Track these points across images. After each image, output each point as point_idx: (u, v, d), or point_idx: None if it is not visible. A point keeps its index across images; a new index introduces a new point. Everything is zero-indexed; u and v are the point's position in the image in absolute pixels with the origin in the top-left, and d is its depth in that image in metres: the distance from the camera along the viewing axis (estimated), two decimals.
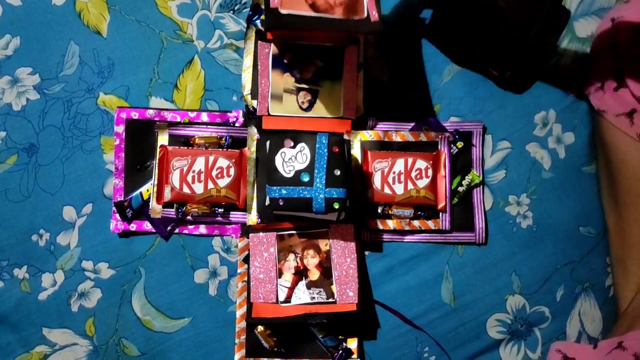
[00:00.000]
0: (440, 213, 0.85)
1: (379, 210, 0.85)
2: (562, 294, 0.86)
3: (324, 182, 0.75)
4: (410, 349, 0.84)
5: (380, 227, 0.85)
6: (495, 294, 0.86)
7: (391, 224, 0.85)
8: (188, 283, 0.84)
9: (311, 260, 0.83)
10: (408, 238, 0.86)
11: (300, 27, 0.73)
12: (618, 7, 0.86)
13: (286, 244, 0.83)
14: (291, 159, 0.76)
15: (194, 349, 0.83)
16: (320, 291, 0.82)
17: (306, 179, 0.75)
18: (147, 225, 0.84)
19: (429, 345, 0.85)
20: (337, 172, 0.75)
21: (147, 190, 0.83)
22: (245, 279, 0.84)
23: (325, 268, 0.82)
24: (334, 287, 0.82)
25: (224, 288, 0.84)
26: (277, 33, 0.82)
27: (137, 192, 0.83)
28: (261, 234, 0.83)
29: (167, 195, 0.82)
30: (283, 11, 0.71)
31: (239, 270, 0.84)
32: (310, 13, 0.71)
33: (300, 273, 0.83)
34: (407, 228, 0.85)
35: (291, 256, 0.83)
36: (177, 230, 0.84)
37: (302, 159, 0.76)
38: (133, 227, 0.83)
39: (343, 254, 0.82)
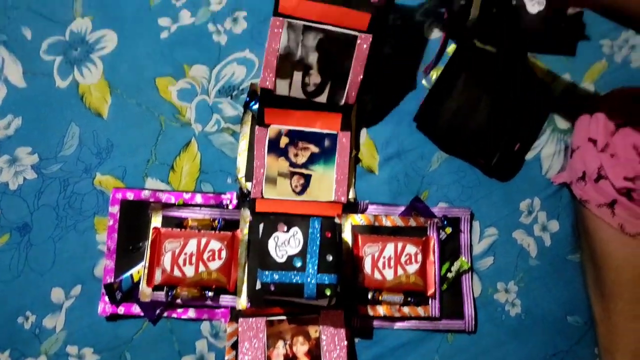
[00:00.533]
0: (430, 299, 0.86)
1: (369, 296, 0.85)
2: None
3: (316, 267, 0.76)
4: None
5: (371, 313, 0.85)
6: None
7: (381, 310, 0.85)
8: None
9: (300, 348, 0.82)
10: (398, 325, 0.86)
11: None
12: (594, 103, 0.90)
13: (275, 330, 0.82)
14: (284, 244, 0.77)
15: None
16: None
17: (298, 264, 0.76)
18: (136, 309, 0.83)
19: None
20: (329, 258, 0.76)
21: (138, 272, 0.83)
22: None
23: (315, 356, 0.82)
24: None
25: None
26: (272, 121, 0.86)
27: (128, 273, 0.83)
28: (251, 319, 0.82)
29: (158, 278, 0.82)
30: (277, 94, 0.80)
31: (227, 358, 0.83)
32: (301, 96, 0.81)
33: None
34: (397, 314, 0.85)
35: (280, 343, 0.82)
36: (165, 314, 0.83)
37: (294, 244, 0.77)
38: (121, 310, 0.83)
39: (333, 342, 0.82)
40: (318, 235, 0.77)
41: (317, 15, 0.80)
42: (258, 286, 0.81)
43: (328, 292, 0.75)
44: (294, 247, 0.77)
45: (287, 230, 0.78)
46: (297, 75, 0.83)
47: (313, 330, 0.83)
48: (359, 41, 0.81)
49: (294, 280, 0.75)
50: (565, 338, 0.87)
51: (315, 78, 0.83)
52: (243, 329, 0.82)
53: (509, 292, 0.88)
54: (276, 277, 0.76)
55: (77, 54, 0.92)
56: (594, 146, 0.86)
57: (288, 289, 0.76)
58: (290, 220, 0.79)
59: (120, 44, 0.93)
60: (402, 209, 0.89)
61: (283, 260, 0.77)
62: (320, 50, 0.82)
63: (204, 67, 0.93)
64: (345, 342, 0.82)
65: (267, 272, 0.76)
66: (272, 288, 0.76)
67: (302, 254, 0.77)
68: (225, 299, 0.84)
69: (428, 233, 0.88)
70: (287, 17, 0.80)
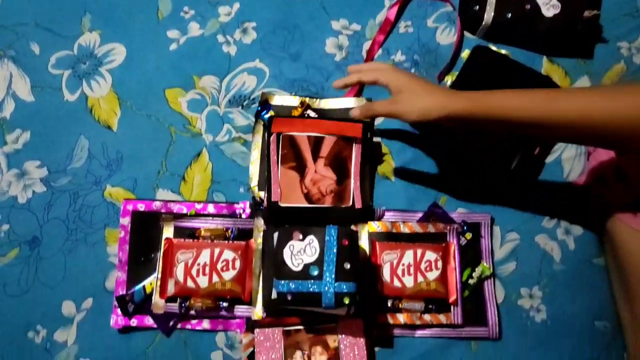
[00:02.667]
0: (452, 306, 0.83)
1: (389, 304, 0.82)
2: None
3: (333, 276, 0.73)
4: None
5: (391, 321, 0.82)
6: None
7: (401, 318, 0.82)
8: None
9: (319, 358, 0.79)
10: (419, 333, 0.83)
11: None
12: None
13: (293, 340, 0.80)
14: (300, 252, 0.75)
15: None
16: None
17: (315, 272, 0.74)
18: (149, 320, 0.81)
19: None
20: (347, 266, 0.74)
21: (150, 284, 0.81)
22: None
23: None
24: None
25: None
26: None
27: (140, 285, 0.81)
28: (267, 329, 0.80)
29: (171, 289, 0.79)
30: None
31: None
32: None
33: None
34: (418, 322, 0.82)
35: (298, 353, 0.79)
36: (179, 325, 0.81)
37: (310, 252, 0.75)
38: (134, 322, 0.80)
39: (352, 351, 0.79)
40: (335, 243, 0.75)
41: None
42: (274, 296, 0.78)
43: (347, 301, 0.73)
44: (310, 256, 0.75)
45: (303, 239, 0.76)
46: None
47: (332, 340, 0.80)
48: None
49: (312, 289, 0.73)
50: (593, 344, 0.84)
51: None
52: (259, 339, 0.79)
53: (533, 298, 0.85)
54: (293, 286, 0.73)
55: (86, 67, 0.91)
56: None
57: (305, 298, 0.73)
58: (305, 228, 0.77)
59: (128, 56, 0.92)
60: (420, 215, 0.87)
61: (299, 269, 0.74)
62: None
63: (214, 77, 0.91)
64: (365, 352, 0.79)
65: (283, 282, 0.74)
66: (289, 297, 0.73)
67: (319, 262, 0.74)
68: (240, 310, 0.82)
69: (448, 239, 0.85)
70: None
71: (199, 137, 0.89)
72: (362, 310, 0.80)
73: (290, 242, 0.76)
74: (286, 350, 0.79)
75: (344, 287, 0.73)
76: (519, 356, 0.83)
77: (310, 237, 0.76)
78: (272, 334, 0.79)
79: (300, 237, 0.76)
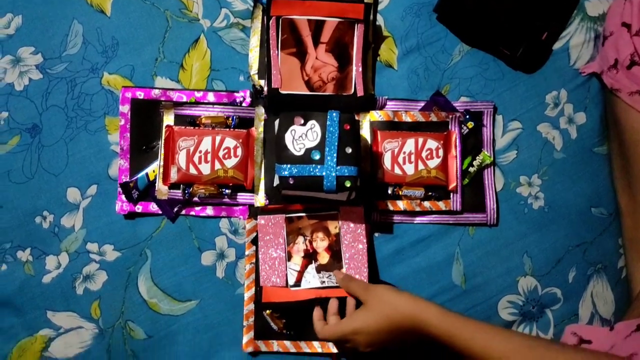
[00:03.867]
0: (451, 194, 0.84)
1: (389, 191, 0.83)
2: (574, 275, 0.85)
3: (335, 160, 0.73)
4: None
5: (391, 208, 0.83)
6: (507, 276, 0.85)
7: (401, 204, 0.84)
8: (195, 265, 0.82)
9: (320, 243, 0.82)
10: (418, 219, 0.85)
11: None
12: None
13: (295, 227, 0.82)
14: (301, 137, 0.75)
15: (202, 331, 0.81)
16: (330, 275, 0.81)
17: (317, 156, 0.74)
18: (153, 207, 0.82)
19: None
20: (349, 150, 0.74)
21: (153, 171, 0.82)
22: (253, 261, 0.82)
23: (335, 251, 0.81)
24: (344, 271, 0.81)
25: (231, 270, 0.83)
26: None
27: (143, 173, 0.82)
28: (270, 215, 0.81)
29: (174, 176, 0.80)
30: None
31: (246, 252, 0.82)
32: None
33: (310, 256, 0.82)
34: (417, 209, 0.84)
35: (300, 239, 0.82)
36: (183, 212, 0.83)
37: (312, 137, 0.75)
38: (139, 208, 0.82)
39: (353, 238, 0.81)
40: (336, 127, 0.75)
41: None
42: (276, 181, 0.80)
43: (348, 184, 0.74)
44: (312, 140, 0.75)
45: (304, 124, 0.75)
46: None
47: (333, 226, 0.82)
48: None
49: (313, 173, 0.74)
50: (589, 230, 0.86)
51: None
52: (262, 225, 0.81)
53: (532, 186, 0.86)
54: (295, 170, 0.74)
55: None
56: (628, 31, 0.81)
57: (307, 181, 0.74)
58: (307, 113, 0.76)
59: None
60: (423, 104, 0.86)
61: (301, 153, 0.74)
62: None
63: None
64: (365, 239, 0.81)
65: (285, 166, 0.74)
66: (291, 181, 0.74)
67: (321, 146, 0.74)
68: (243, 197, 0.83)
69: (450, 127, 0.85)
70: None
71: (196, 23, 0.86)
72: (363, 196, 0.81)
73: (292, 127, 0.75)
74: (288, 236, 0.81)
75: (346, 170, 0.73)
76: (515, 241, 0.85)
77: (312, 122, 0.75)
78: (274, 220, 0.81)
79: (302, 121, 0.75)
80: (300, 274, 0.81)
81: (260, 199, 0.83)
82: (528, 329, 0.84)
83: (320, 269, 0.81)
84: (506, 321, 0.84)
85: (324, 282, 0.81)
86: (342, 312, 0.78)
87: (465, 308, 0.84)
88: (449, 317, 0.69)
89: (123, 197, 0.81)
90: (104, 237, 0.82)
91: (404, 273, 0.84)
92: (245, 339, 0.81)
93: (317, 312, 0.79)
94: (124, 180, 0.82)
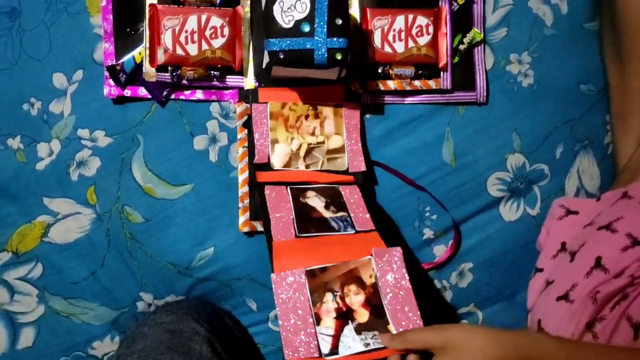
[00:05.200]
0: (442, 72, 0.84)
1: (380, 71, 0.83)
2: (562, 151, 0.87)
3: (325, 31, 0.72)
4: (412, 209, 0.85)
5: (381, 87, 0.83)
6: (496, 153, 0.86)
7: (392, 84, 0.83)
8: (188, 150, 0.83)
9: (355, 299, 0.66)
10: (409, 99, 0.85)
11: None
12: None
13: (320, 282, 0.66)
14: (290, 9, 0.73)
15: (198, 214, 0.83)
16: (374, 335, 0.64)
17: (307, 29, 0.73)
18: (142, 91, 0.81)
19: (431, 204, 0.85)
20: (339, 21, 0.73)
21: (140, 54, 0.80)
22: (246, 144, 0.83)
23: (375, 306, 0.66)
24: (391, 327, 0.64)
25: (224, 154, 0.83)
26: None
27: (130, 55, 0.80)
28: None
29: (161, 57, 0.79)
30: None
31: (238, 136, 0.83)
32: None
33: (344, 315, 0.65)
34: (408, 88, 0.84)
35: (329, 296, 0.66)
36: (173, 96, 0.82)
37: (301, 8, 0.73)
38: (127, 92, 0.81)
39: (395, 286, 0.67)
40: None
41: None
42: (266, 59, 0.78)
43: (339, 57, 0.73)
44: (301, 12, 0.73)
45: None
46: None
47: (367, 276, 0.67)
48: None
49: (304, 46, 0.72)
50: (577, 106, 0.87)
51: None
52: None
53: (522, 64, 0.86)
54: (284, 44, 0.73)
55: None
56: None
57: (297, 55, 0.73)
58: None
59: None
60: None
61: (290, 26, 0.73)
62: None
63: None
64: (410, 285, 0.66)
65: (274, 40, 0.73)
66: (281, 56, 0.73)
67: (310, 18, 0.73)
68: (232, 80, 0.82)
69: (440, 4, 0.83)
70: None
71: None
72: (354, 73, 0.81)
73: None
74: (313, 294, 0.66)
75: (336, 42, 0.72)
76: (504, 119, 0.86)
77: None
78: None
79: None
80: (336, 338, 0.64)
81: (249, 82, 0.82)
82: (516, 204, 0.87)
83: (360, 329, 0.64)
84: (495, 197, 0.86)
85: (368, 344, 0.63)
86: None
87: (455, 185, 0.86)
88: (565, 345, 0.58)
89: (111, 81, 0.80)
90: (94, 123, 0.81)
91: (395, 153, 0.85)
92: (241, 220, 0.82)
93: None
94: (110, 63, 0.80)
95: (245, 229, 0.82)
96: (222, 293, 0.84)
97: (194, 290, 0.84)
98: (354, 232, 0.72)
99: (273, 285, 0.65)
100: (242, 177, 0.83)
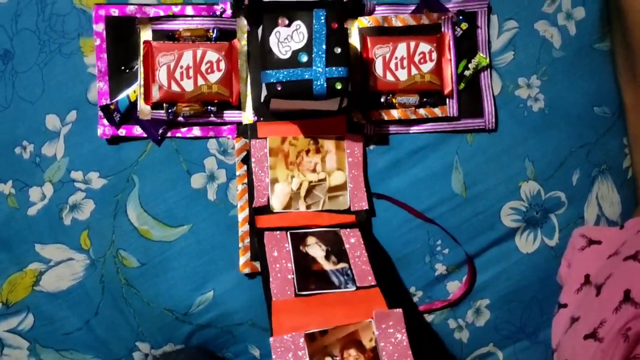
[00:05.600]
0: (447, 99, 0.81)
1: (382, 100, 0.80)
2: (578, 177, 0.82)
3: (323, 60, 0.70)
4: (422, 243, 0.81)
5: (385, 117, 0.80)
6: (509, 182, 0.82)
7: (396, 113, 0.80)
8: (185, 189, 0.79)
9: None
10: (414, 129, 0.81)
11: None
12: None
13: (319, 345, 0.62)
14: (287, 39, 0.70)
15: (197, 256, 0.79)
16: None
17: (304, 59, 0.70)
18: (137, 130, 0.78)
19: (442, 238, 0.81)
20: (338, 50, 0.70)
21: (134, 92, 0.78)
22: (245, 181, 0.79)
23: None
24: None
25: (223, 192, 0.80)
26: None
27: (124, 94, 0.78)
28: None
29: (156, 94, 0.76)
30: None
31: (237, 173, 0.79)
32: None
33: None
34: (413, 117, 0.80)
35: None
36: (169, 134, 0.79)
37: (298, 38, 0.71)
38: (122, 132, 0.78)
39: (394, 350, 0.62)
40: (323, 26, 0.70)
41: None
42: (264, 93, 0.76)
43: (339, 86, 0.70)
44: (298, 42, 0.71)
45: (289, 24, 0.71)
46: None
47: (367, 339, 0.63)
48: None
49: (302, 77, 0.70)
50: (592, 130, 0.83)
51: None
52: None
53: (531, 87, 0.82)
54: (282, 75, 0.70)
55: None
56: None
57: (296, 86, 0.70)
58: (291, 13, 0.71)
59: None
60: (413, 7, 0.81)
61: (287, 56, 0.70)
62: None
63: None
64: (410, 352, 0.62)
65: (271, 72, 0.70)
66: (279, 87, 0.70)
67: (308, 48, 0.70)
68: (230, 115, 0.79)
69: (442, 29, 0.81)
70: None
71: None
72: (356, 103, 0.78)
73: (276, 29, 0.71)
74: (312, 359, 0.61)
75: (335, 71, 0.70)
76: (515, 146, 0.82)
77: (297, 22, 0.71)
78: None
79: (287, 22, 0.71)
80: None
81: (248, 116, 0.79)
82: (532, 235, 0.82)
83: None
84: (510, 228, 0.81)
85: None
86: None
87: (467, 217, 0.81)
88: None
89: (105, 121, 0.78)
90: (88, 165, 0.79)
91: (402, 185, 0.81)
92: (241, 261, 0.78)
93: None
94: (104, 103, 0.78)
95: (247, 270, 0.78)
96: (223, 340, 0.79)
97: (194, 338, 0.79)
98: (354, 288, 0.68)
99: (272, 349, 0.61)
100: (242, 215, 0.79)
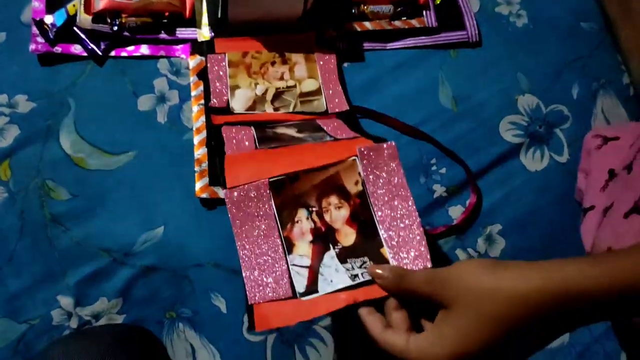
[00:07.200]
0: (424, 10, 0.74)
1: (354, 11, 0.73)
2: (578, 91, 0.74)
3: None
4: (414, 162, 0.68)
5: (357, 29, 0.72)
6: (503, 95, 0.72)
7: (369, 25, 0.72)
8: (130, 112, 0.67)
9: (337, 214, 0.49)
10: (391, 45, 0.73)
11: None
12: None
13: (290, 195, 0.49)
14: None
15: (143, 186, 0.64)
16: (364, 262, 0.48)
17: None
18: (76, 48, 0.68)
19: (436, 156, 0.69)
20: None
21: (74, 5, 0.69)
22: (202, 102, 0.68)
23: (363, 222, 0.49)
24: (385, 251, 0.48)
25: (175, 114, 0.68)
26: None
27: (62, 8, 0.69)
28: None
29: (98, 2, 0.68)
30: None
31: (193, 93, 0.68)
32: None
33: (324, 238, 0.49)
34: (388, 28, 0.72)
35: (302, 213, 0.49)
36: (113, 53, 0.69)
37: None
38: (58, 49, 0.68)
39: (390, 194, 0.49)
40: None
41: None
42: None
43: None
44: None
45: None
46: None
47: (352, 181, 0.50)
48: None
49: None
50: (584, 44, 0.76)
51: None
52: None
53: (511, 4, 0.77)
54: None
55: None
56: None
57: None
58: None
59: None
60: None
61: None
62: None
63: None
64: (410, 193, 0.49)
65: None
66: None
67: None
68: (184, 32, 0.70)
69: None
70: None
71: None
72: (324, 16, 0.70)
73: None
74: (281, 213, 0.49)
75: None
76: (504, 59, 0.74)
77: None
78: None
79: None
80: (314, 270, 0.47)
81: (204, 33, 0.71)
82: (539, 152, 0.71)
83: (345, 255, 0.48)
84: (512, 143, 0.70)
85: (356, 275, 0.47)
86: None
87: (461, 133, 0.70)
88: (600, 262, 0.38)
89: (39, 38, 0.68)
90: (15, 87, 0.67)
91: (383, 102, 0.71)
92: (198, 185, 0.64)
93: (364, 309, 0.45)
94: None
95: (204, 195, 0.63)
96: (176, 290, 0.61)
97: (136, 289, 0.61)
98: (332, 139, 0.55)
99: (227, 205, 0.48)
100: (199, 138, 0.66)
